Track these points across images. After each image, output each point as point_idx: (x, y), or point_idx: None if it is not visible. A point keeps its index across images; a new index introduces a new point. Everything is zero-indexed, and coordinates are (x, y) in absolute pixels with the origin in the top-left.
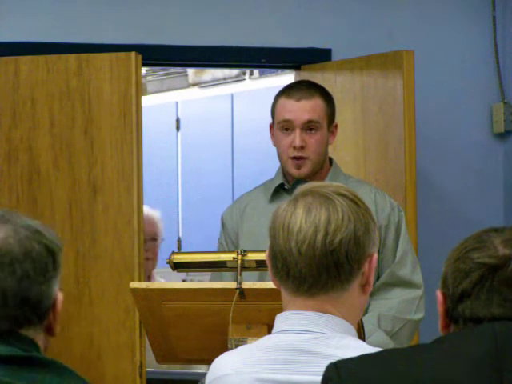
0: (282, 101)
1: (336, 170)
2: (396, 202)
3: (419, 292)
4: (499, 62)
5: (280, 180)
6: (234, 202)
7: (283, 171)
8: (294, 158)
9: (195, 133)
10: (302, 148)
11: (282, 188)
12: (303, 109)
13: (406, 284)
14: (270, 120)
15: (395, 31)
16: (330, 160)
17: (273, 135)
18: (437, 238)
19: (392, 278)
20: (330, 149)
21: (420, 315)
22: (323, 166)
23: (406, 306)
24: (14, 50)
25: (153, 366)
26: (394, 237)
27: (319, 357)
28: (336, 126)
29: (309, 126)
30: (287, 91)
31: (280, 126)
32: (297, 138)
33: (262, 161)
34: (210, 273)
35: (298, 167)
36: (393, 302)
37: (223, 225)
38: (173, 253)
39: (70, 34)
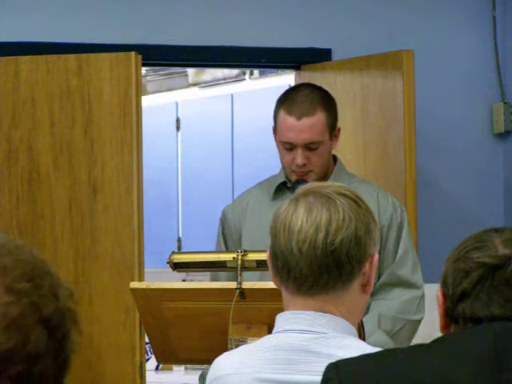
0: (283, 116)
1: (340, 169)
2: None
3: (419, 292)
4: (499, 62)
5: (282, 178)
6: (235, 199)
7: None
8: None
9: (195, 133)
10: (304, 165)
11: (285, 186)
12: (304, 129)
13: (406, 284)
14: (270, 120)
15: (395, 31)
16: (335, 158)
17: (276, 137)
18: (437, 238)
19: (392, 278)
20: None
21: (420, 315)
22: (327, 168)
23: (406, 307)
24: (14, 50)
25: None
26: (395, 237)
27: (320, 357)
28: (339, 130)
29: (310, 146)
30: (288, 104)
31: (282, 145)
32: (298, 157)
33: (262, 160)
34: (209, 273)
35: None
36: (393, 303)
37: (224, 219)
38: (173, 253)
39: (70, 34)
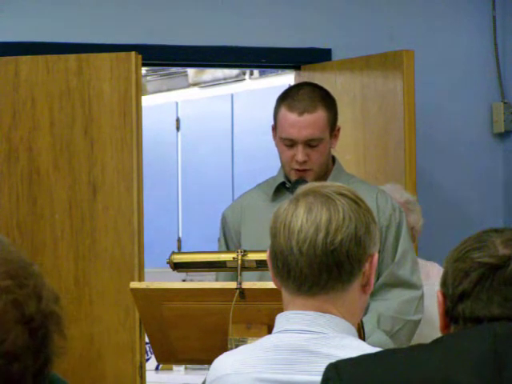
0: (284, 113)
1: (339, 169)
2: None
3: (418, 293)
4: (499, 62)
5: (282, 178)
6: (234, 201)
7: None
8: (297, 169)
9: (195, 133)
10: (304, 162)
11: (284, 186)
12: (305, 125)
13: (406, 285)
14: (270, 120)
15: (395, 31)
16: (334, 159)
17: (275, 136)
18: (437, 238)
19: (391, 278)
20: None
21: (419, 316)
22: (327, 167)
23: (406, 307)
24: (14, 50)
25: None
26: (394, 238)
27: (320, 357)
28: (339, 129)
29: (311, 143)
30: (289, 101)
31: (282, 141)
32: (299, 153)
33: (262, 160)
34: (208, 273)
35: (301, 177)
36: (392, 303)
37: (224, 222)
38: (173, 253)
39: (70, 34)
